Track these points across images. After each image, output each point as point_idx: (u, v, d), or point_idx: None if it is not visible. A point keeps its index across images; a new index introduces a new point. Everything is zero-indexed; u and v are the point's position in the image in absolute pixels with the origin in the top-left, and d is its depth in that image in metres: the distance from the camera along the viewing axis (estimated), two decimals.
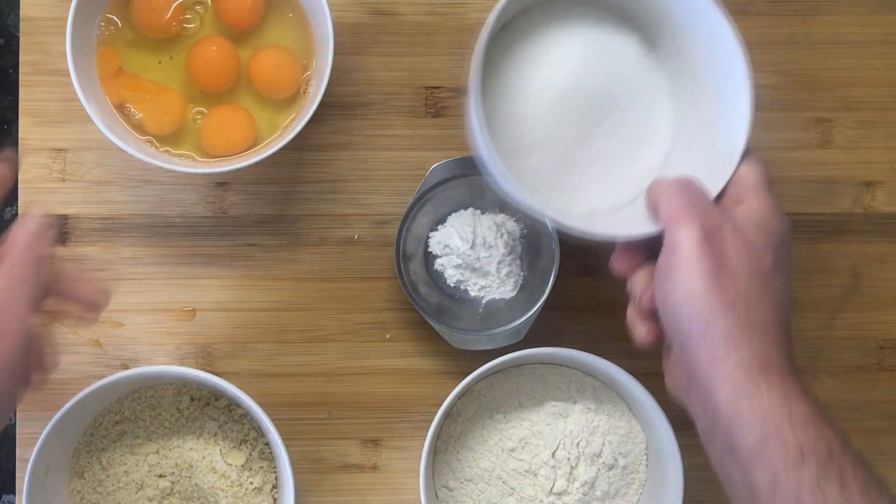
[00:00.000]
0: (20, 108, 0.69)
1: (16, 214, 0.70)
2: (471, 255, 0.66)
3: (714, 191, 0.56)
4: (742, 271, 0.51)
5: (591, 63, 0.59)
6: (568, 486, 0.66)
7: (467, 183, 0.67)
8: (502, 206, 0.69)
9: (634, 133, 0.61)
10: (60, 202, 0.69)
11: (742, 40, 0.56)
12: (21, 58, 0.70)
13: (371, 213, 0.71)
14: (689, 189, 0.54)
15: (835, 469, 0.46)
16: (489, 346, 0.67)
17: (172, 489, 0.66)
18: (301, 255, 0.71)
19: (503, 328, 0.67)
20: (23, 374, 0.53)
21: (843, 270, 0.72)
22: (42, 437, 0.62)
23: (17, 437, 0.69)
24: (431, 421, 0.65)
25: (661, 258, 0.53)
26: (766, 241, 0.53)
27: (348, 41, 0.70)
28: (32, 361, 0.53)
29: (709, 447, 0.52)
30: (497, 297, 0.68)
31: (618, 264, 0.57)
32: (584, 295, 0.71)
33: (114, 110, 0.65)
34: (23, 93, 0.69)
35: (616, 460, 0.67)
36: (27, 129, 0.69)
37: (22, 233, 0.53)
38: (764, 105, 0.72)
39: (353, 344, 0.71)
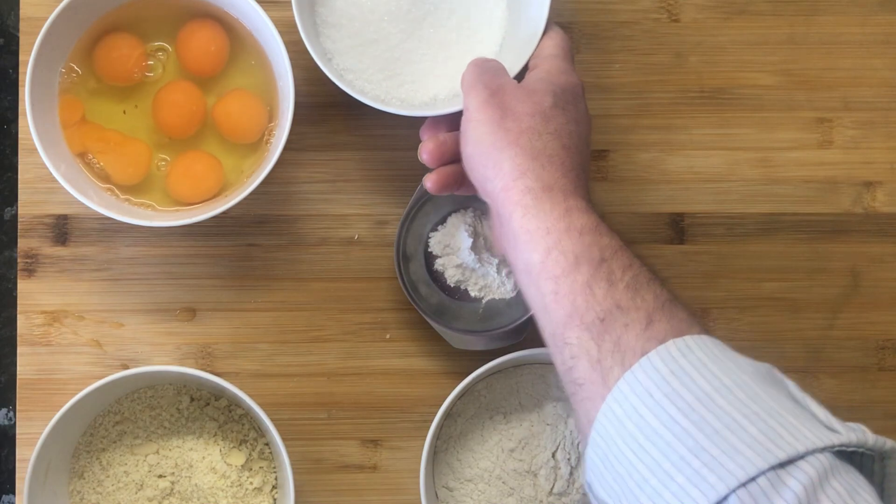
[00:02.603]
0: (21, 109, 0.70)
1: (15, 214, 0.70)
2: (471, 255, 0.66)
3: (519, 64, 0.63)
4: (523, 112, 0.56)
5: None
6: (568, 486, 0.66)
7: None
8: None
9: (465, 24, 0.67)
10: (60, 202, 0.69)
11: None
12: (21, 58, 0.70)
13: (371, 213, 0.71)
14: (481, 65, 0.60)
15: (604, 270, 0.50)
16: (489, 347, 0.67)
17: (172, 489, 0.66)
18: (301, 255, 0.71)
19: (503, 328, 0.67)
20: None
21: (843, 270, 0.72)
22: (42, 437, 0.62)
23: (17, 437, 0.69)
24: (431, 421, 0.65)
25: (461, 124, 0.59)
26: (546, 88, 0.58)
27: None
28: None
29: (516, 275, 0.55)
30: (497, 297, 0.68)
31: (423, 133, 0.63)
32: None
33: (76, 159, 0.65)
34: (22, 93, 0.69)
35: None
36: (27, 129, 0.69)
37: None
38: (764, 105, 0.72)
39: (353, 344, 0.71)
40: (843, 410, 0.71)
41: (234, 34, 0.67)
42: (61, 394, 0.68)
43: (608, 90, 0.72)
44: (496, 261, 0.67)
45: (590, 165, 0.59)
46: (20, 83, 0.69)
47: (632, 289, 0.49)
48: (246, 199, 0.63)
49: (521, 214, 0.53)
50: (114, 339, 0.70)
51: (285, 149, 0.63)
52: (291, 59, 0.63)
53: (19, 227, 0.70)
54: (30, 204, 0.70)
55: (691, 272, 0.72)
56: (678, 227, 0.72)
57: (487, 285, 0.68)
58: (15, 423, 0.70)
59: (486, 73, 0.59)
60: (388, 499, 0.70)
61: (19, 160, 0.70)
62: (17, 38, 0.71)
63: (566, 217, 0.52)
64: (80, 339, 0.70)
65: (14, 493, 0.69)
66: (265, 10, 0.63)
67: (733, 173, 0.72)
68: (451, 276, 0.68)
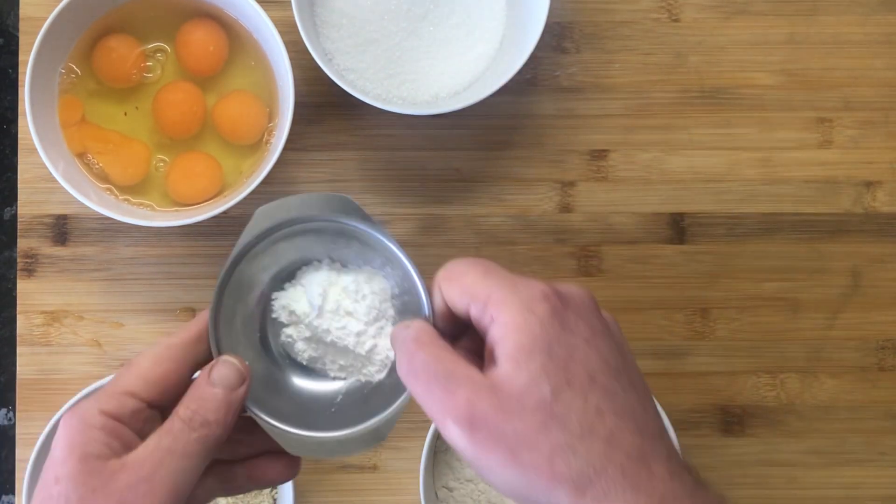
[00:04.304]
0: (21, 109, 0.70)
1: (15, 214, 0.70)
2: (318, 325, 0.49)
3: (519, 62, 0.63)
4: (510, 415, 0.40)
5: None
6: None
7: (320, 226, 0.49)
8: (368, 257, 0.50)
9: (465, 21, 0.67)
10: (60, 202, 0.69)
11: None
12: (21, 58, 0.70)
13: (370, 213, 0.70)
14: (420, 371, 0.43)
15: None
16: (337, 455, 0.49)
17: None
18: None
19: (344, 432, 0.48)
20: None
21: (843, 270, 0.72)
22: (42, 437, 0.62)
23: (16, 437, 0.69)
24: (432, 421, 0.65)
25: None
26: (529, 363, 0.41)
27: None
28: None
29: None
30: (363, 378, 0.50)
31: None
32: None
33: (75, 159, 0.65)
34: (22, 93, 0.69)
35: None
36: (27, 129, 0.69)
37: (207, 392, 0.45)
38: (764, 105, 0.72)
39: None
40: (844, 410, 0.72)
41: (233, 34, 0.67)
42: (61, 394, 0.68)
43: (608, 90, 0.72)
44: (354, 331, 0.49)
45: (646, 393, 0.43)
46: (20, 83, 0.69)
47: None
48: (246, 199, 0.63)
49: None
50: (113, 339, 0.70)
51: (285, 149, 0.63)
52: (291, 59, 0.63)
53: (19, 227, 0.70)
54: (29, 204, 0.70)
55: (691, 272, 0.72)
56: (678, 227, 0.72)
57: (349, 365, 0.50)
58: (15, 423, 0.70)
59: (435, 381, 0.42)
60: (388, 499, 0.70)
61: (19, 160, 0.70)
62: (17, 38, 0.71)
63: None
64: (80, 339, 0.70)
65: (14, 493, 0.69)
66: (265, 10, 0.63)
67: (733, 173, 0.72)
68: (302, 352, 0.50)
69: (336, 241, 0.50)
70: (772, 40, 0.72)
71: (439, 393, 0.41)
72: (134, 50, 0.66)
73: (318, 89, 0.70)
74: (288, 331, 0.50)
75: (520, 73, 0.63)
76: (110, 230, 0.70)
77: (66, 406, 0.62)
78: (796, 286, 0.72)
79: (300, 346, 0.50)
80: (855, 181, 0.72)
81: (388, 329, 0.49)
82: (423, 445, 0.65)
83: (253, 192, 0.63)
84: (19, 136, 0.70)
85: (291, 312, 0.50)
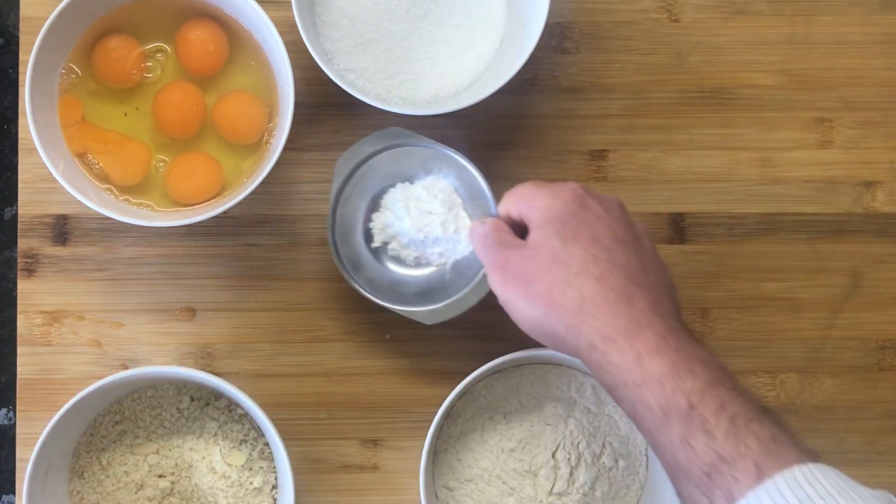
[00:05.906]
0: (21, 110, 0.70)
1: (15, 214, 0.70)
2: (412, 229, 0.64)
3: (519, 62, 0.63)
4: (537, 270, 0.55)
5: None
6: (568, 486, 0.66)
7: (384, 160, 0.65)
8: (426, 167, 0.66)
9: (465, 21, 0.68)
10: (60, 202, 0.69)
11: None
12: (21, 58, 0.70)
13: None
14: (481, 239, 0.60)
15: (696, 420, 0.48)
16: (464, 310, 0.64)
17: (172, 489, 0.66)
18: (301, 255, 0.71)
19: (470, 285, 0.64)
20: None
21: (843, 270, 0.72)
22: (42, 437, 0.62)
23: (16, 437, 0.69)
24: (431, 421, 0.65)
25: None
26: (547, 232, 0.55)
27: None
28: None
29: None
30: (459, 256, 0.65)
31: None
32: None
33: (75, 158, 0.65)
34: (22, 93, 0.69)
35: (616, 461, 0.67)
36: (27, 129, 0.69)
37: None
38: (764, 105, 0.72)
39: (352, 344, 0.71)
40: (843, 410, 0.72)
41: (233, 34, 0.67)
42: (61, 394, 0.68)
43: (608, 90, 0.72)
44: (439, 222, 0.64)
45: (654, 270, 0.56)
46: (20, 83, 0.69)
47: (732, 436, 0.47)
48: (246, 199, 0.63)
49: (596, 371, 0.53)
50: (114, 339, 0.70)
51: (285, 149, 0.63)
52: (291, 59, 0.63)
53: (19, 227, 0.70)
54: (30, 204, 0.70)
55: (691, 272, 0.72)
56: (678, 227, 0.72)
57: (444, 250, 0.65)
58: (15, 423, 0.70)
59: (489, 248, 0.58)
60: (388, 499, 0.70)
61: (19, 160, 0.70)
62: (17, 38, 0.71)
63: (638, 366, 0.50)
64: (80, 339, 0.70)
65: (14, 493, 0.69)
66: (265, 10, 0.63)
67: (733, 173, 0.72)
68: (408, 257, 0.66)
69: (401, 163, 0.66)
70: (771, 40, 0.72)
71: (492, 253, 0.58)
72: (134, 50, 0.66)
73: (318, 89, 0.70)
74: (391, 245, 0.66)
75: (520, 73, 0.63)
76: (110, 230, 0.70)
77: (66, 406, 0.62)
78: (796, 286, 0.72)
79: (404, 252, 0.66)
80: (855, 181, 0.72)
81: (462, 213, 0.65)
82: (423, 445, 0.65)
83: (254, 192, 0.63)
84: (19, 136, 0.70)
85: (388, 230, 0.66)
